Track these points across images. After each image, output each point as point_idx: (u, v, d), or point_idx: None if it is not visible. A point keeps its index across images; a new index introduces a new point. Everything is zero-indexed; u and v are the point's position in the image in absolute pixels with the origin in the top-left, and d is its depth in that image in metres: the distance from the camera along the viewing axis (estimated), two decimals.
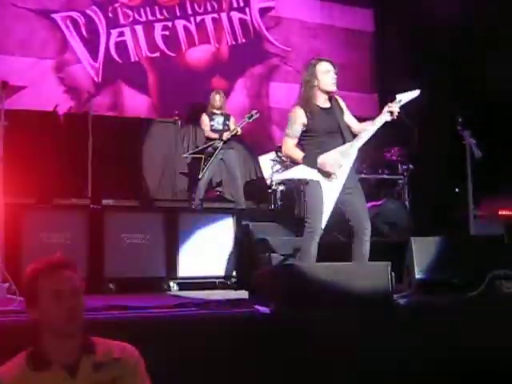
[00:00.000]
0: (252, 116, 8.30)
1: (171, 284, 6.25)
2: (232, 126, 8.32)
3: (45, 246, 5.69)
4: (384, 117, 4.86)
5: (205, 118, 8.37)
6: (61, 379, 2.26)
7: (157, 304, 3.95)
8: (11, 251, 5.18)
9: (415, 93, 4.95)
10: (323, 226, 4.78)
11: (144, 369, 2.41)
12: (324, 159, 4.74)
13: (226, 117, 8.43)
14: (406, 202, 8.25)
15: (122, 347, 2.42)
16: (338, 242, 6.59)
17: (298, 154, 4.84)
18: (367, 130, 4.89)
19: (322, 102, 4.92)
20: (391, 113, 4.83)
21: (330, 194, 4.75)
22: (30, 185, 6.79)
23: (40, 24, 9.49)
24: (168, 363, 3.16)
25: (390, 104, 4.93)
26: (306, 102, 4.86)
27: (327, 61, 4.99)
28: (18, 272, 4.79)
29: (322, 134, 4.81)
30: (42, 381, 2.24)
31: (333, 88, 4.92)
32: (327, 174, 4.75)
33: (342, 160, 4.76)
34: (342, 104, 5.06)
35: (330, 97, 4.96)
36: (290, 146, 4.89)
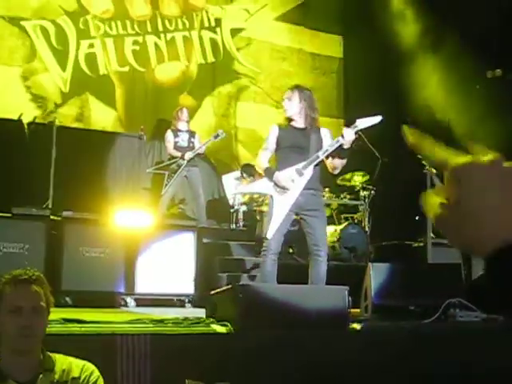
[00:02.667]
0: (218, 136, 8.29)
1: (128, 300, 6.19)
2: (197, 144, 8.29)
3: (1, 255, 5.59)
4: (335, 141, 5.00)
5: (169, 134, 8.29)
6: None
7: (114, 320, 3.92)
8: None
9: (376, 119, 5.08)
10: (270, 235, 4.97)
11: None
12: (279, 174, 5.01)
13: (192, 134, 8.40)
14: (367, 228, 8.33)
15: (81, 366, 2.38)
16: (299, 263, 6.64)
17: (262, 165, 5.03)
18: (318, 153, 5.03)
19: (297, 123, 5.19)
20: (342, 136, 4.98)
21: (280, 208, 4.98)
22: None
23: (9, 31, 9.40)
24: (129, 380, 3.14)
25: (345, 128, 5.10)
26: (283, 121, 5.26)
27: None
28: None
29: (289, 150, 5.06)
30: None
31: (285, 114, 5.26)
32: (280, 189, 4.97)
33: (295, 176, 4.97)
34: (324, 131, 5.29)
35: (311, 121, 5.20)
36: (260, 156, 5.20)
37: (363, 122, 5.09)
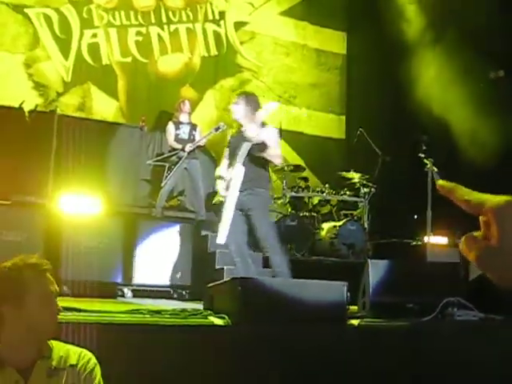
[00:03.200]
0: (219, 128, 8.24)
1: (125, 290, 6.18)
2: (198, 136, 8.28)
3: (0, 242, 5.59)
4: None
5: (171, 126, 8.28)
6: (12, 381, 2.21)
7: (111, 309, 3.91)
8: None
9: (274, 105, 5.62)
10: (223, 241, 5.29)
11: (100, 376, 2.38)
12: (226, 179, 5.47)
13: (193, 126, 8.39)
14: (366, 225, 8.33)
15: (78, 353, 2.37)
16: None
17: (222, 174, 5.55)
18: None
19: (238, 130, 5.65)
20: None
21: (226, 211, 5.29)
22: None
23: (13, 18, 9.38)
24: (124, 370, 3.13)
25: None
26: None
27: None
28: None
29: (233, 155, 5.42)
30: None
31: (232, 117, 5.70)
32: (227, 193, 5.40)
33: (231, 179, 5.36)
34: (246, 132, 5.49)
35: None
36: (220, 166, 5.68)
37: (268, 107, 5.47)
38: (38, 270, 2.28)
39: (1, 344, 2.24)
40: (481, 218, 0.86)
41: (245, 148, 5.31)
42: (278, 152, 5.52)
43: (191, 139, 8.23)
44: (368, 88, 10.68)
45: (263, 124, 5.38)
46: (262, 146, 5.29)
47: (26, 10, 9.48)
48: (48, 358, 2.29)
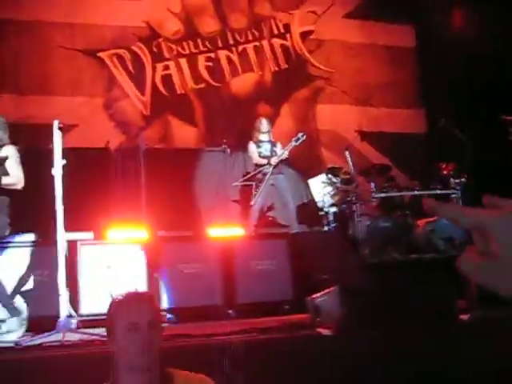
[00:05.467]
0: (299, 139, 8.33)
1: (229, 312, 6.24)
2: (279, 152, 8.36)
3: (103, 278, 5.78)
4: None
5: (252, 145, 8.43)
6: None
7: (219, 331, 3.95)
8: (72, 285, 5.27)
9: None
10: None
11: None
12: None
13: (273, 144, 8.48)
14: None
15: (199, 379, 2.39)
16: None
17: None
18: None
19: None
20: None
21: None
22: (88, 220, 6.91)
23: (87, 63, 9.75)
24: None
25: None
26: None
27: None
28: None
29: None
30: None
31: None
32: None
33: None
34: None
35: None
36: None
37: None
38: (126, 300, 2.33)
39: (121, 377, 2.30)
40: (475, 232, 0.83)
41: None
42: None
43: (273, 156, 8.32)
44: (444, 77, 10.45)
45: None
46: None
47: (98, 54, 9.83)
48: None
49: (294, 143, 8.34)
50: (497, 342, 4.09)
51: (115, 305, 2.33)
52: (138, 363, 2.24)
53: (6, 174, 5.35)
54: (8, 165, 5.35)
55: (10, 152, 5.44)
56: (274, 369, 3.39)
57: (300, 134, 8.42)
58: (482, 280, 0.83)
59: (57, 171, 4.75)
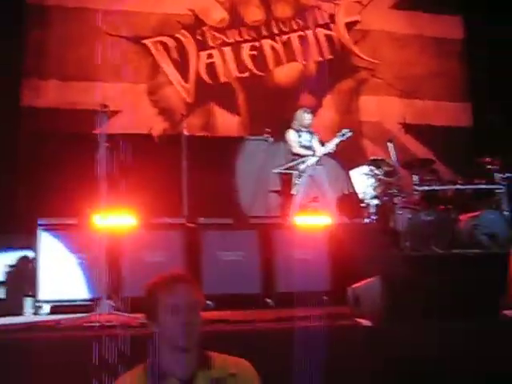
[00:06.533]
0: (344, 135, 8.31)
1: (268, 300, 6.23)
2: (316, 145, 8.35)
3: (144, 264, 5.81)
4: None
5: (293, 133, 8.41)
6: None
7: (259, 318, 3.95)
8: (113, 270, 5.31)
9: None
10: None
11: None
12: None
13: (312, 134, 8.46)
14: (506, 212, 7.94)
15: (237, 362, 2.40)
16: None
17: None
18: None
19: None
20: None
21: None
22: (129, 206, 6.96)
23: (132, 50, 9.82)
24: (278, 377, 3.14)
25: None
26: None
27: None
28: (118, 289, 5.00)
29: None
30: None
31: None
32: None
33: None
34: None
35: None
36: None
37: None
38: (168, 282, 2.33)
39: (162, 356, 2.32)
40: None
41: None
42: None
43: (311, 145, 8.31)
44: (492, 70, 10.24)
45: None
46: None
47: (143, 41, 9.90)
48: (208, 369, 2.33)
49: (340, 138, 8.32)
50: None
51: (155, 286, 2.34)
52: (178, 344, 2.27)
53: None
54: None
55: None
56: (312, 358, 3.36)
57: (346, 130, 8.39)
58: None
59: (101, 155, 4.79)
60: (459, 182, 8.22)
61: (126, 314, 4.24)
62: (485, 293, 4.19)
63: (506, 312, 4.33)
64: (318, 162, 8.24)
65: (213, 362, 2.35)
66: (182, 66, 10.05)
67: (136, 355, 2.51)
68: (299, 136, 8.40)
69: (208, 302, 5.94)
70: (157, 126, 9.17)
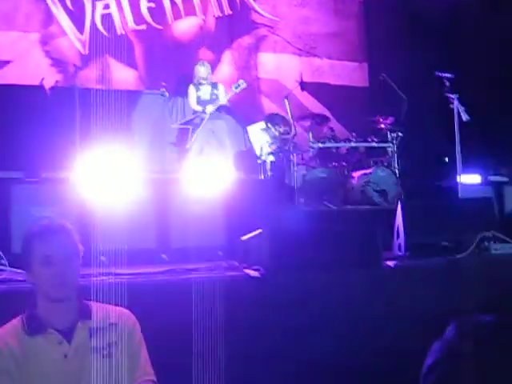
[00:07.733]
0: (239, 86, 8.31)
1: (163, 256, 6.21)
2: (221, 95, 8.34)
3: (34, 219, 5.65)
4: None
5: (191, 89, 8.40)
6: (56, 343, 2.25)
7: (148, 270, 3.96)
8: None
9: None
10: None
11: (140, 333, 2.41)
12: None
13: (214, 85, 8.43)
14: (396, 170, 8.25)
15: (118, 312, 2.41)
16: None
17: None
18: None
19: None
20: None
21: None
22: (17, 159, 6.75)
23: None
24: (162, 327, 3.17)
25: None
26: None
27: None
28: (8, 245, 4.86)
29: None
30: (37, 344, 2.24)
31: None
32: None
33: None
34: None
35: None
36: None
37: None
38: (42, 232, 2.30)
39: (39, 309, 2.29)
40: None
41: None
42: None
43: (213, 99, 8.29)
44: (388, 32, 10.47)
45: None
46: None
47: None
48: (88, 319, 2.33)
49: (233, 90, 8.32)
50: (418, 290, 4.22)
51: (29, 237, 2.30)
52: (53, 295, 2.25)
53: None
54: None
55: None
56: (200, 307, 3.41)
57: (240, 81, 8.40)
58: None
59: None
60: (353, 140, 8.44)
61: (9, 269, 4.12)
62: (370, 245, 4.36)
63: (390, 263, 4.53)
64: (217, 116, 8.25)
65: (93, 312, 2.34)
66: (76, 16, 9.68)
67: (18, 310, 2.45)
68: (198, 90, 8.36)
69: (101, 257, 5.90)
70: (49, 77, 8.83)
